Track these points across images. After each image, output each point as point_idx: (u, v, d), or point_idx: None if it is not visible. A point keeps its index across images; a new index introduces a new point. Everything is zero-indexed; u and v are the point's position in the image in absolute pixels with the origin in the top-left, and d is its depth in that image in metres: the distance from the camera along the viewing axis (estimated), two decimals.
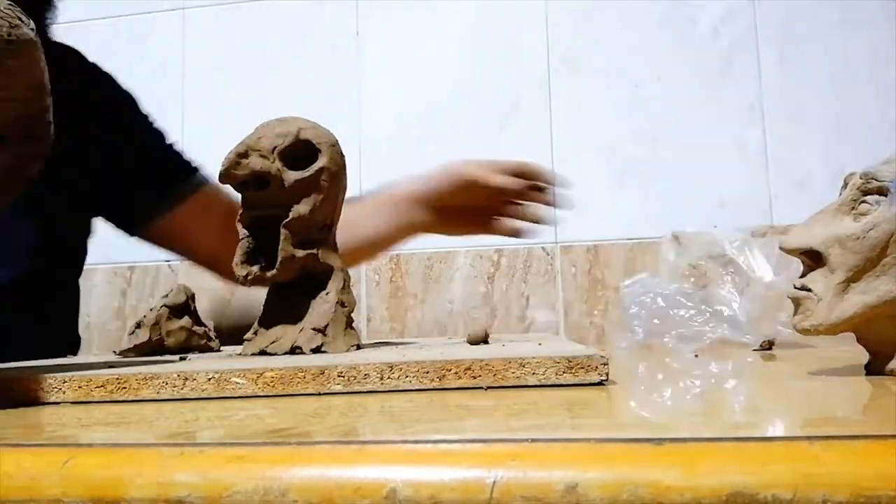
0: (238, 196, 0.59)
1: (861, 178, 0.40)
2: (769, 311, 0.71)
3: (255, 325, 0.60)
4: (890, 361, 0.41)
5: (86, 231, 0.93)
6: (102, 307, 1.29)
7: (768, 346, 0.69)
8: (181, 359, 0.59)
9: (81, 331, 0.94)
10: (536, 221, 0.91)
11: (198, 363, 0.51)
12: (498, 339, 0.66)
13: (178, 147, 0.97)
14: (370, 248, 0.94)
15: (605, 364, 0.42)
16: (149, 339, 0.67)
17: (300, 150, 0.58)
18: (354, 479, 0.25)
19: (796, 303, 0.42)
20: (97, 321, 1.28)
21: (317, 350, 0.56)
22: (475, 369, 0.43)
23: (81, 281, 0.93)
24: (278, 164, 0.57)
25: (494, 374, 0.43)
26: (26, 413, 0.41)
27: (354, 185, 1.20)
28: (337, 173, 0.59)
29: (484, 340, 0.58)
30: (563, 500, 0.24)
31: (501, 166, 0.88)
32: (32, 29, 0.43)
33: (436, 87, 1.21)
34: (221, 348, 0.74)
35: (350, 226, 0.78)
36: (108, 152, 0.88)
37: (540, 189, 0.90)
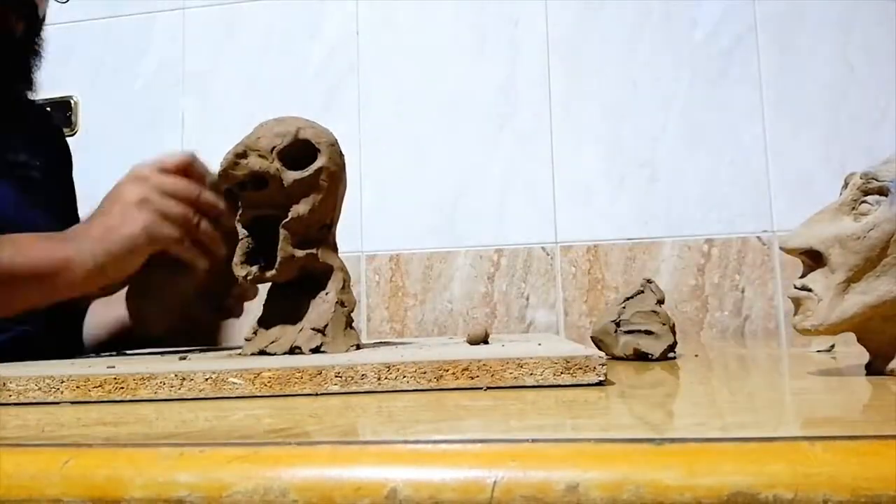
0: None
1: (861, 178, 0.40)
2: None
3: (255, 324, 0.60)
4: (890, 361, 0.41)
5: None
6: None
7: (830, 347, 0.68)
8: (181, 358, 0.59)
9: None
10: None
11: (196, 363, 0.51)
12: (498, 339, 0.66)
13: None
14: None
15: (603, 364, 0.42)
16: None
17: (299, 150, 0.58)
18: (355, 478, 0.25)
19: (796, 303, 0.42)
20: None
21: (316, 350, 0.56)
22: (473, 370, 0.43)
23: None
24: (277, 163, 0.57)
25: (492, 375, 0.42)
26: (26, 413, 0.41)
27: (354, 184, 1.20)
28: (336, 173, 0.59)
29: (484, 340, 0.58)
30: (563, 500, 0.24)
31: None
32: None
33: (436, 87, 1.21)
34: (220, 348, 0.74)
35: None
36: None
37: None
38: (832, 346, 0.66)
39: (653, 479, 0.24)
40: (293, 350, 0.57)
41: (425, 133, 1.21)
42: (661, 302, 0.62)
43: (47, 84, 1.31)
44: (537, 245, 1.15)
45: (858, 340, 0.43)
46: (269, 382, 0.43)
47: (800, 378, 0.47)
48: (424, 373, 0.43)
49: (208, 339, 0.83)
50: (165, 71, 1.30)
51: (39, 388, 0.45)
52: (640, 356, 0.60)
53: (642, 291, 0.63)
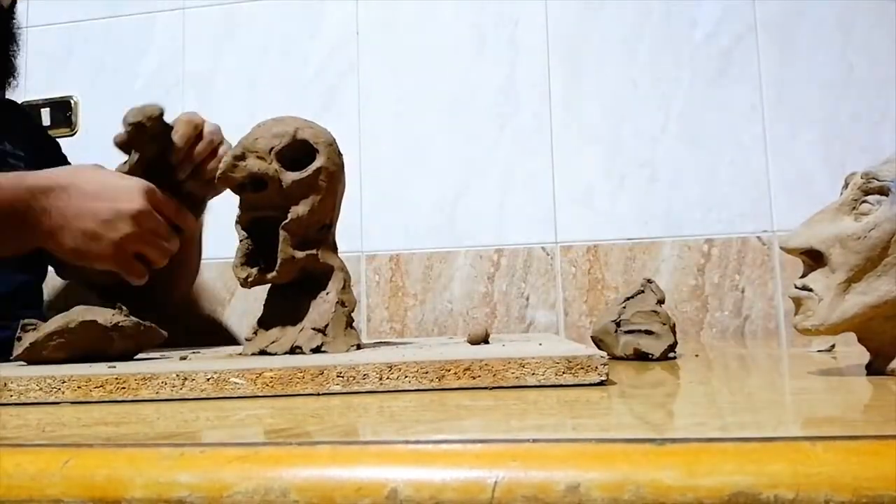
0: None
1: (862, 178, 0.40)
2: None
3: (255, 325, 0.60)
4: (891, 361, 0.41)
5: None
6: None
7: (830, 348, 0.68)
8: (182, 359, 0.59)
9: None
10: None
11: (197, 363, 0.51)
12: (498, 339, 0.66)
13: None
14: None
15: (604, 364, 0.42)
16: None
17: (298, 150, 0.58)
18: (355, 479, 0.25)
19: (797, 303, 0.42)
20: None
21: (317, 350, 0.56)
22: (475, 369, 0.43)
23: None
24: (276, 165, 0.57)
25: (494, 375, 0.42)
26: (27, 413, 0.41)
27: (355, 184, 1.20)
28: (335, 173, 0.59)
29: (484, 340, 0.58)
30: (564, 500, 0.24)
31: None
32: None
33: (436, 87, 1.21)
34: (221, 348, 0.74)
35: None
36: None
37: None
38: (833, 346, 0.66)
39: (654, 480, 0.24)
40: (294, 350, 0.57)
41: (425, 133, 1.21)
42: (661, 302, 0.62)
43: (47, 84, 1.31)
44: (537, 245, 1.15)
45: (859, 340, 0.43)
46: (270, 382, 0.43)
47: (800, 378, 0.47)
48: (426, 373, 0.43)
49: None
50: (165, 71, 1.30)
51: (41, 389, 0.45)
52: (641, 356, 0.60)
53: (642, 291, 0.63)
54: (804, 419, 0.32)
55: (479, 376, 0.42)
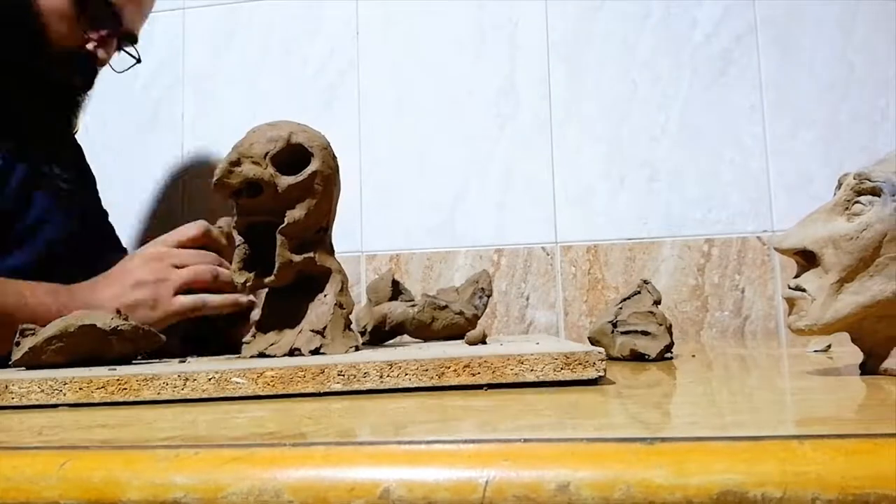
0: None
1: (855, 179, 0.40)
2: None
3: (253, 328, 0.60)
4: (884, 361, 0.41)
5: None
6: None
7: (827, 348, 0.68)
8: (180, 361, 0.59)
9: None
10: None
11: (198, 364, 0.51)
12: (495, 339, 0.67)
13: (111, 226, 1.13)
14: None
15: (602, 360, 0.43)
16: None
17: (292, 155, 0.58)
18: (348, 479, 0.25)
19: (790, 303, 0.42)
20: None
21: (315, 352, 0.56)
22: (474, 366, 0.43)
23: None
24: (271, 169, 0.57)
25: (493, 371, 0.43)
26: (24, 415, 0.41)
27: (355, 185, 1.20)
28: (330, 176, 0.59)
29: (482, 341, 0.58)
30: (555, 500, 0.24)
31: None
32: None
33: (436, 87, 1.22)
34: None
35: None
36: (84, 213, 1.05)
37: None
38: (829, 346, 0.66)
39: (644, 479, 0.24)
40: (293, 352, 0.57)
41: (425, 133, 1.21)
42: (657, 303, 0.62)
43: None
44: (537, 245, 1.15)
45: (852, 340, 0.43)
46: (271, 382, 0.44)
47: (794, 378, 0.47)
48: (426, 370, 0.43)
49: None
50: (165, 71, 1.30)
51: (42, 391, 0.45)
52: (637, 357, 0.60)
53: (639, 292, 0.63)
54: (795, 418, 0.32)
55: (479, 373, 0.43)
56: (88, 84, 0.99)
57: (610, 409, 0.35)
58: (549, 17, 1.20)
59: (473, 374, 0.43)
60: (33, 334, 0.57)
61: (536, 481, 0.24)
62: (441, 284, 1.16)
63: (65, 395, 0.44)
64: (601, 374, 0.42)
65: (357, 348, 0.58)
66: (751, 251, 1.10)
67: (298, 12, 1.28)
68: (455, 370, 0.43)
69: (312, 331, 0.57)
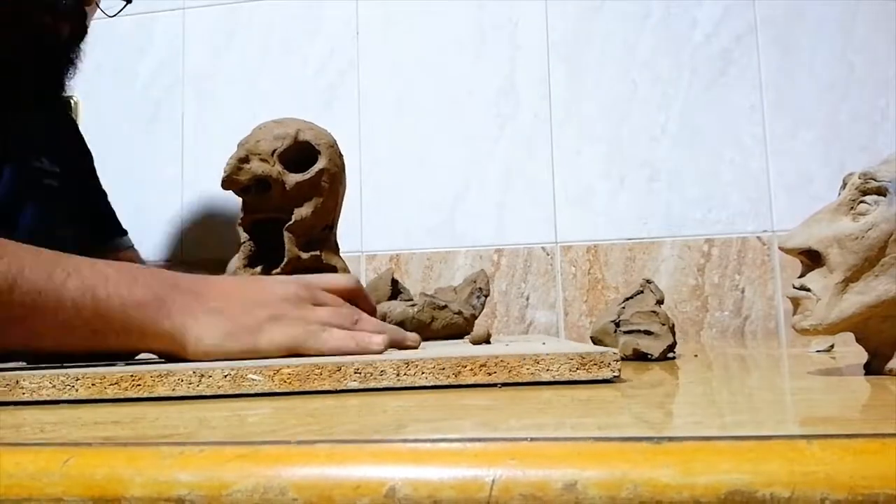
0: None
1: (860, 178, 0.40)
2: None
3: None
4: (889, 361, 0.41)
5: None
6: None
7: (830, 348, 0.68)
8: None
9: None
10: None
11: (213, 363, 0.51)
12: (497, 339, 0.67)
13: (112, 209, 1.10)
14: None
15: (617, 361, 0.43)
16: None
17: (299, 152, 0.58)
18: (354, 477, 0.25)
19: (795, 303, 0.42)
20: None
21: None
22: (490, 366, 0.43)
23: None
24: (279, 167, 0.57)
25: (509, 371, 0.43)
26: (29, 411, 0.41)
27: (355, 185, 1.20)
28: (336, 174, 0.59)
29: (486, 340, 0.58)
30: (561, 499, 0.24)
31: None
32: None
33: (436, 87, 1.21)
34: None
35: None
36: (77, 194, 0.99)
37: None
38: (831, 346, 0.66)
39: (651, 478, 0.24)
40: None
41: (425, 133, 1.21)
42: (660, 302, 0.62)
43: None
44: (537, 245, 1.15)
45: (857, 340, 0.43)
46: (288, 379, 0.43)
47: (798, 378, 0.47)
48: (443, 369, 0.43)
49: None
50: (165, 71, 1.30)
51: (54, 386, 0.44)
52: (640, 356, 0.60)
53: (642, 292, 0.63)
54: (801, 418, 0.32)
55: (495, 372, 0.43)
56: (78, 33, 0.87)
57: (613, 409, 0.35)
58: (549, 17, 1.20)
59: (490, 374, 0.43)
60: None
61: (543, 480, 0.24)
62: (441, 284, 1.16)
63: (77, 390, 0.44)
64: (616, 374, 0.43)
65: None
66: (751, 251, 1.10)
67: (298, 12, 1.27)
68: (472, 369, 0.43)
69: None
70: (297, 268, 0.58)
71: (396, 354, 0.46)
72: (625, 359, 0.61)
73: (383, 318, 0.73)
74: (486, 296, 0.80)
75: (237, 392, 0.43)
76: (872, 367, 0.43)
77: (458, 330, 0.75)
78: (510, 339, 0.73)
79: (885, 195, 0.39)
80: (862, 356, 0.44)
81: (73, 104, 1.30)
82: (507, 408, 0.35)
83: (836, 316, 0.40)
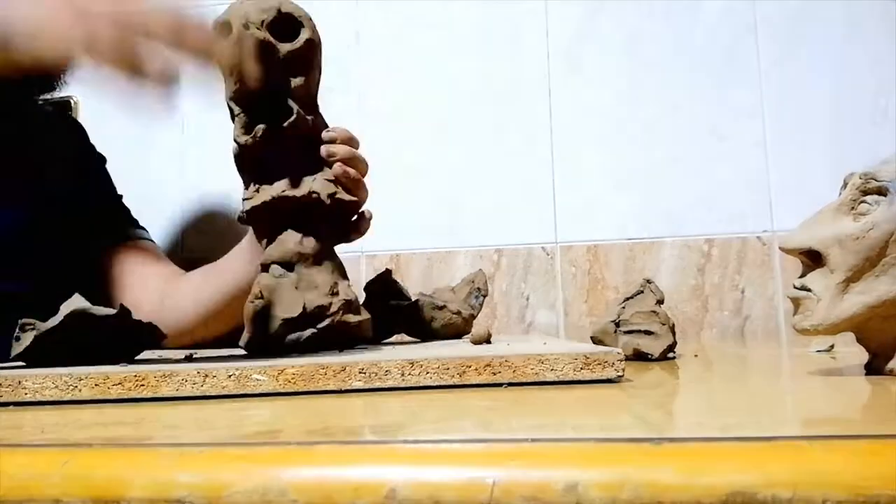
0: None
1: (861, 178, 0.40)
2: None
3: (252, 185, 0.61)
4: (889, 361, 0.41)
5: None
6: None
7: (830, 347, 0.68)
8: (185, 357, 0.59)
9: None
10: None
11: (214, 363, 0.51)
12: (498, 339, 0.66)
13: (125, 203, 1.09)
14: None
15: (621, 360, 0.43)
16: None
17: (283, 24, 0.60)
18: (354, 478, 0.25)
19: (796, 303, 0.42)
20: None
21: (332, 196, 0.60)
22: (495, 365, 0.43)
23: None
24: (270, 37, 0.59)
25: (514, 371, 0.43)
26: (29, 413, 0.41)
27: None
28: (319, 45, 0.63)
29: (486, 340, 0.58)
30: (563, 500, 0.24)
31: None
32: None
33: (436, 88, 1.21)
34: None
35: None
36: (82, 190, 0.99)
37: None
38: (832, 346, 0.66)
39: (652, 479, 0.24)
40: (311, 194, 0.59)
41: (425, 133, 1.21)
42: (660, 302, 0.62)
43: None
44: (537, 245, 1.15)
45: (858, 340, 0.43)
46: (292, 379, 0.43)
47: (799, 378, 0.47)
48: (448, 369, 0.43)
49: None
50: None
51: (56, 387, 0.44)
52: (640, 356, 0.60)
53: (642, 292, 0.63)
54: (802, 419, 0.32)
55: (500, 372, 0.43)
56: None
57: (613, 409, 0.35)
58: (549, 17, 1.20)
59: (495, 374, 0.43)
60: (33, 329, 0.57)
61: (544, 481, 0.24)
62: (441, 285, 1.16)
63: (80, 391, 0.43)
64: (620, 374, 0.43)
65: None
66: (751, 251, 1.09)
67: None
68: (476, 369, 0.43)
69: (327, 180, 0.60)
70: (304, 125, 0.60)
71: (401, 354, 0.46)
72: (625, 359, 0.61)
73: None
74: (485, 296, 0.80)
75: (241, 392, 0.43)
76: (873, 368, 0.43)
77: (457, 330, 0.75)
78: (510, 339, 0.73)
79: (885, 195, 0.39)
80: (862, 356, 0.44)
81: (72, 104, 1.29)
82: (510, 408, 0.35)
83: (836, 316, 0.40)
